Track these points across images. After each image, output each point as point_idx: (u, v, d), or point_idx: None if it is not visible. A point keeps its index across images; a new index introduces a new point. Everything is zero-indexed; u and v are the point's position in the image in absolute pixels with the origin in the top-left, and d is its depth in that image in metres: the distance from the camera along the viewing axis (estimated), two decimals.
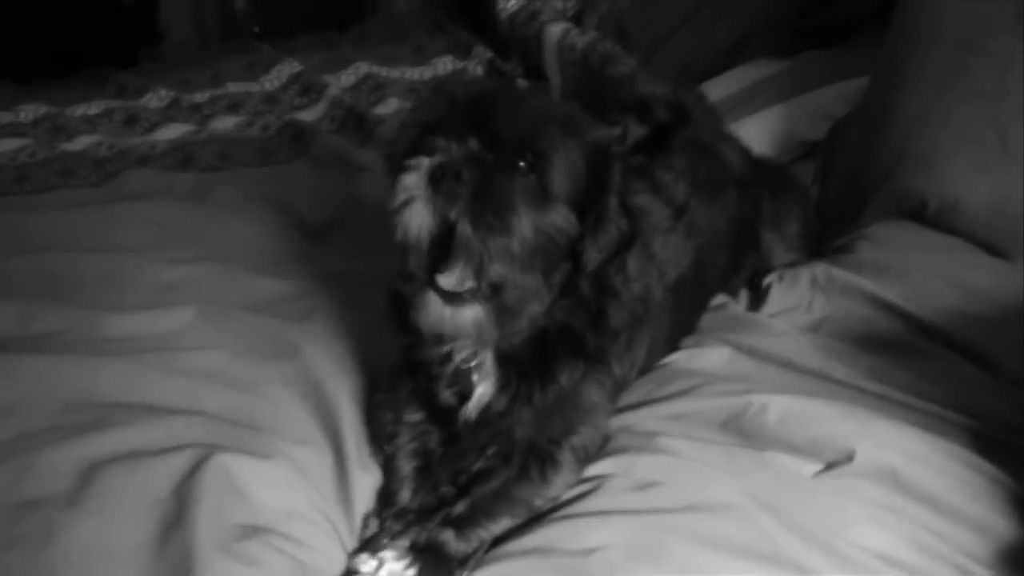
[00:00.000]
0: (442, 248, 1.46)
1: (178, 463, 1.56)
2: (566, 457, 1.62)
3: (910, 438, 1.62)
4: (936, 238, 2.14)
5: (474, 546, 1.55)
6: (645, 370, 1.84)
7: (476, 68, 3.39)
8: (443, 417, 1.67)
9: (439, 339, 1.57)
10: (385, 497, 1.66)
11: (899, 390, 1.76)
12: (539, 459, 1.61)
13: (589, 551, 1.44)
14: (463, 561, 1.54)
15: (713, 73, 2.92)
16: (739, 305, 2.07)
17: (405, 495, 1.65)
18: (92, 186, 2.67)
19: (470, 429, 1.64)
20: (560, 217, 1.50)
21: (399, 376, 1.72)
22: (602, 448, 1.66)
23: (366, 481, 1.67)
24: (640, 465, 1.59)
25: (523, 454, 1.62)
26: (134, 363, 1.82)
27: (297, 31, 3.83)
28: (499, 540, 1.56)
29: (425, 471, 1.67)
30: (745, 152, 2.25)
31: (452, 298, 1.48)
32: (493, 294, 1.48)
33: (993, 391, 1.77)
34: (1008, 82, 2.13)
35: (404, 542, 1.56)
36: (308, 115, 3.12)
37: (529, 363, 1.60)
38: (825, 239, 2.27)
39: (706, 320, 2.03)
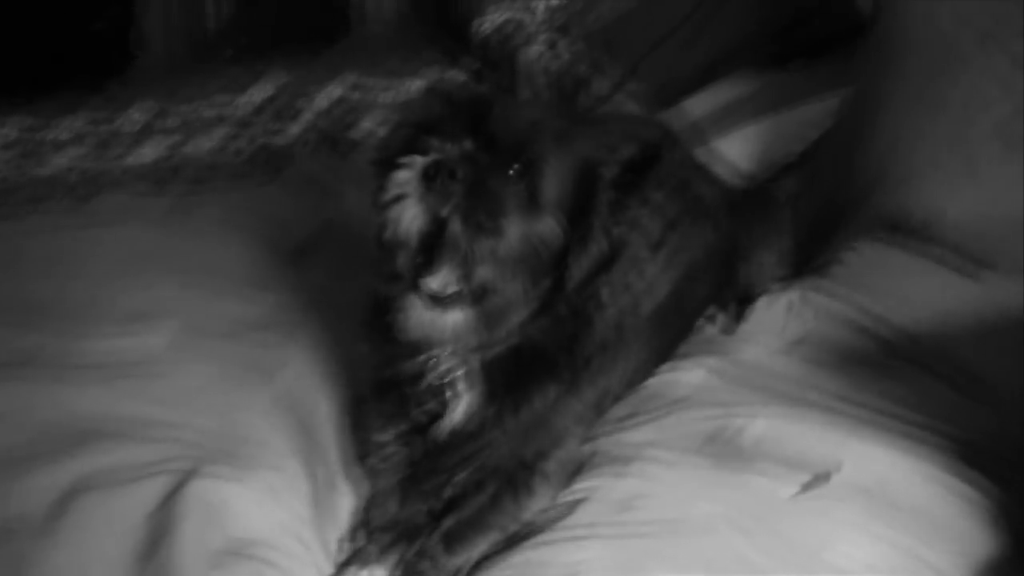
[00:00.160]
0: (428, 251, 1.46)
1: (155, 488, 1.55)
2: (545, 477, 1.62)
3: (889, 456, 1.63)
4: (913, 258, 2.14)
5: (462, 562, 1.55)
6: (622, 397, 1.84)
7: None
8: (418, 433, 1.66)
9: (420, 345, 1.57)
10: (370, 510, 1.65)
11: (876, 409, 1.76)
12: (523, 476, 1.62)
13: (570, 572, 1.43)
14: None
15: (694, 89, 2.93)
16: (715, 327, 2.07)
17: (392, 507, 1.64)
18: (67, 210, 2.65)
19: (443, 447, 1.64)
20: (548, 226, 1.50)
21: (377, 392, 1.71)
22: (576, 470, 1.67)
23: (345, 503, 1.67)
24: (620, 486, 1.59)
25: (502, 475, 1.62)
26: (109, 388, 1.81)
27: (271, 53, 3.82)
28: (480, 560, 1.57)
29: (410, 482, 1.67)
30: (720, 183, 2.27)
31: (437, 301, 1.48)
32: (478, 299, 1.48)
33: (970, 409, 1.78)
34: (975, 105, 2.14)
35: (392, 557, 1.56)
36: (284, 137, 3.10)
37: (503, 383, 1.60)
38: (803, 258, 2.27)
39: (681, 341, 2.03)
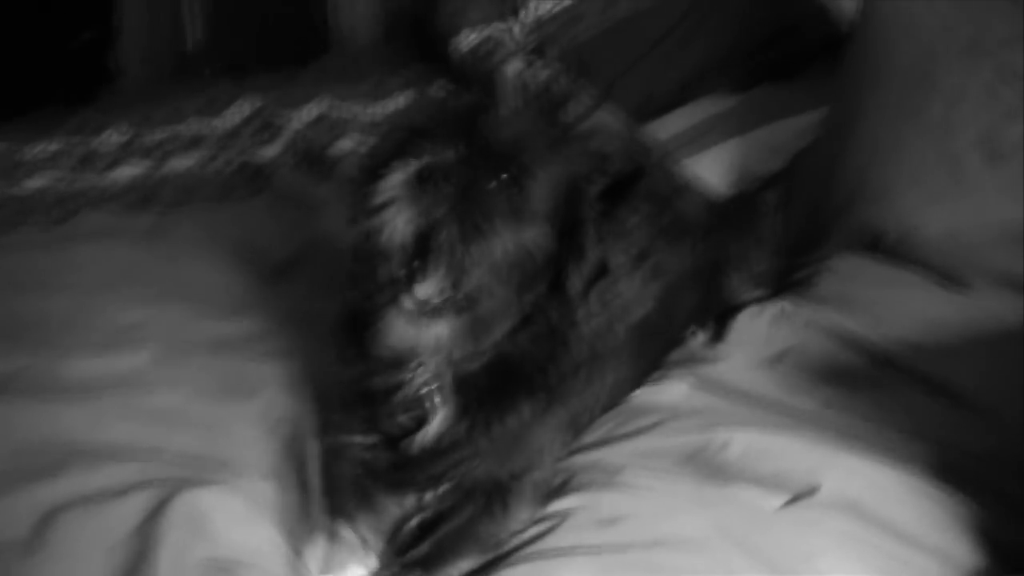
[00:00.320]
0: (418, 257, 1.45)
1: (139, 504, 1.54)
2: (521, 494, 1.61)
3: (873, 469, 1.63)
4: (893, 271, 2.16)
5: None
6: (609, 408, 1.84)
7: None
8: (392, 444, 1.64)
9: (398, 359, 1.56)
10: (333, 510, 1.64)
11: (861, 421, 1.77)
12: (501, 495, 1.60)
13: None
14: None
15: (671, 107, 2.95)
16: (700, 339, 2.07)
17: (351, 504, 1.63)
18: (48, 227, 2.65)
19: (422, 458, 1.62)
20: (539, 234, 1.50)
21: (349, 404, 1.70)
22: (554, 487, 1.66)
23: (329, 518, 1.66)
24: (605, 501, 1.59)
25: (485, 490, 1.61)
26: (93, 405, 1.80)
27: (252, 69, 3.82)
28: None
29: (369, 481, 1.65)
30: (704, 198, 2.28)
31: (423, 311, 1.47)
32: (466, 307, 1.47)
33: (953, 421, 1.79)
34: (958, 115, 2.16)
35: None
36: (267, 153, 3.11)
37: (488, 391, 1.59)
38: (786, 270, 2.29)
39: (668, 353, 2.03)
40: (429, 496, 1.65)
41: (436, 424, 1.60)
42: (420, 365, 1.58)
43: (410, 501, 1.66)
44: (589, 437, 1.78)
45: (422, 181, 1.42)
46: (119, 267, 2.33)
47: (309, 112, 3.35)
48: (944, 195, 2.15)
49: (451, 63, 3.39)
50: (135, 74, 4.54)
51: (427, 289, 1.46)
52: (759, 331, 2.04)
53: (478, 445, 1.59)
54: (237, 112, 3.34)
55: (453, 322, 1.48)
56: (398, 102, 3.42)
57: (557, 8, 3.29)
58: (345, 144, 3.14)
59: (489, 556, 1.56)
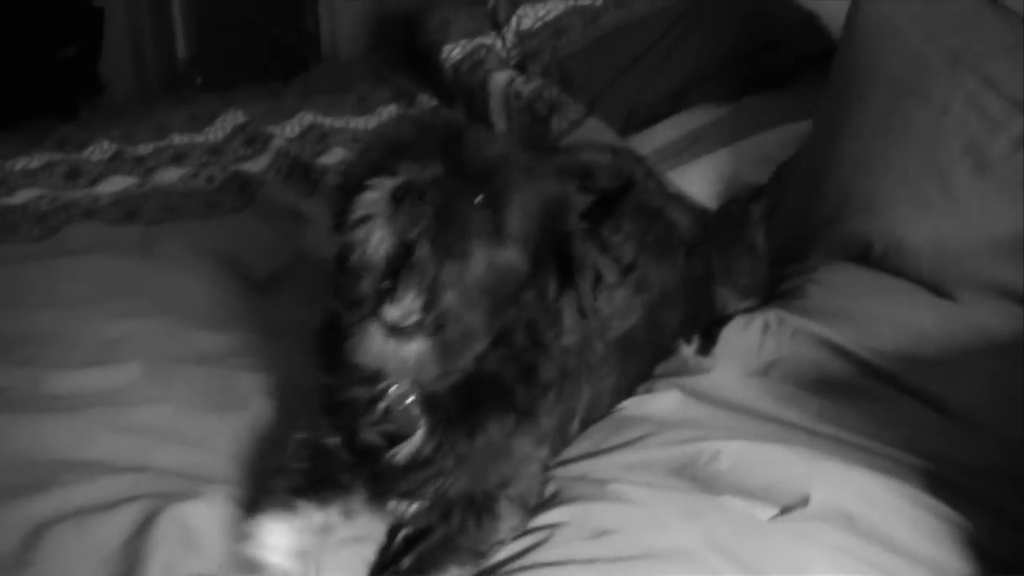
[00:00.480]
0: (392, 276, 1.43)
1: (127, 518, 1.53)
2: (504, 507, 1.60)
3: (864, 480, 1.63)
4: (882, 281, 2.16)
5: None
6: (591, 421, 1.84)
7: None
8: (364, 457, 1.63)
9: (375, 375, 1.55)
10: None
11: (851, 432, 1.77)
12: (476, 511, 1.59)
13: None
14: None
15: (657, 119, 2.95)
16: (689, 349, 2.07)
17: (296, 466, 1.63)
18: (34, 241, 2.64)
19: (395, 472, 1.61)
20: (511, 257, 1.49)
21: (321, 415, 1.68)
22: (540, 497, 1.65)
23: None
24: (594, 513, 1.58)
25: (461, 506, 1.60)
26: (80, 420, 1.79)
27: (240, 83, 3.82)
28: None
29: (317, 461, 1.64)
30: (693, 210, 2.28)
31: (396, 331, 1.45)
32: (438, 329, 1.46)
33: (943, 431, 1.79)
34: (944, 126, 2.17)
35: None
36: (253, 166, 3.09)
37: (455, 411, 1.58)
38: (774, 281, 2.29)
39: (656, 365, 2.03)
40: (409, 511, 1.63)
41: (414, 439, 1.59)
42: (392, 384, 1.57)
43: (391, 510, 1.65)
44: (578, 449, 1.78)
45: (397, 200, 1.40)
46: (105, 281, 2.32)
47: (295, 125, 3.35)
48: (931, 206, 2.15)
49: (437, 78, 3.40)
50: (123, 88, 4.54)
51: (398, 310, 1.44)
52: (748, 342, 2.04)
53: (445, 463, 1.58)
54: (223, 126, 3.33)
55: (423, 343, 1.46)
56: (382, 116, 3.43)
57: (540, 23, 3.30)
58: (330, 158, 3.14)
59: (479, 568, 1.56)
